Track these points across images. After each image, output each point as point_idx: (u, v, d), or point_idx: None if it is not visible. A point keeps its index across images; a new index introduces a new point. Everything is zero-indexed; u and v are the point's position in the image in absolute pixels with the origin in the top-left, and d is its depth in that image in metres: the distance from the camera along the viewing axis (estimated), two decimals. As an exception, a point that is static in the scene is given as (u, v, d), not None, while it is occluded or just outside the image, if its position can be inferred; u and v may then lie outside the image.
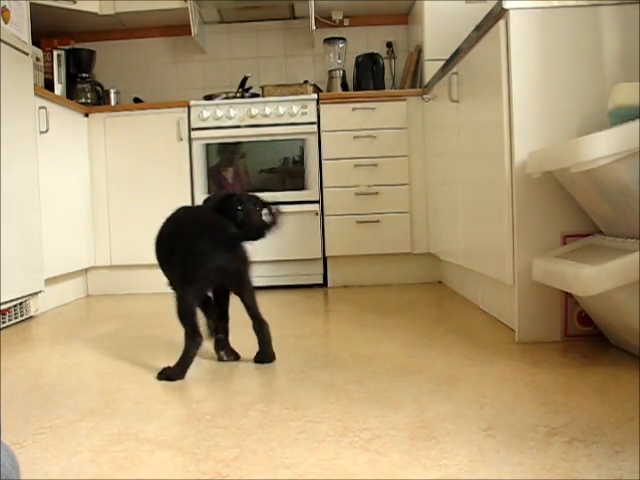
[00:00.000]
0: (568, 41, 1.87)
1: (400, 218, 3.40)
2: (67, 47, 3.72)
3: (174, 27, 3.99)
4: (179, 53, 4.13)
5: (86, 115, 3.45)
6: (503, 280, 2.04)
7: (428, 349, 1.90)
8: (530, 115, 1.88)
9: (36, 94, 2.84)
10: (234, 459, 1.12)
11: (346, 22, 4.02)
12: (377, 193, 3.39)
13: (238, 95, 3.63)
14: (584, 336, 1.90)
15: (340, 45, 3.88)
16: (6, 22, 2.60)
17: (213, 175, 3.43)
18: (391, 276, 3.46)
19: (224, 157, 3.46)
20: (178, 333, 1.67)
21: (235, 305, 1.82)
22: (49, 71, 3.48)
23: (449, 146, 2.80)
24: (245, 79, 3.66)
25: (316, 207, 3.40)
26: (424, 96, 3.25)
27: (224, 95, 3.62)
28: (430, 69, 3.33)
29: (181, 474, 1.07)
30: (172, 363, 1.69)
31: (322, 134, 3.40)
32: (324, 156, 3.40)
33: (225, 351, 1.87)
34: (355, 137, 3.38)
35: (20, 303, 2.67)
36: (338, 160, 3.40)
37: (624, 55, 1.85)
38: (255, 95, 3.68)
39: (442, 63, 2.79)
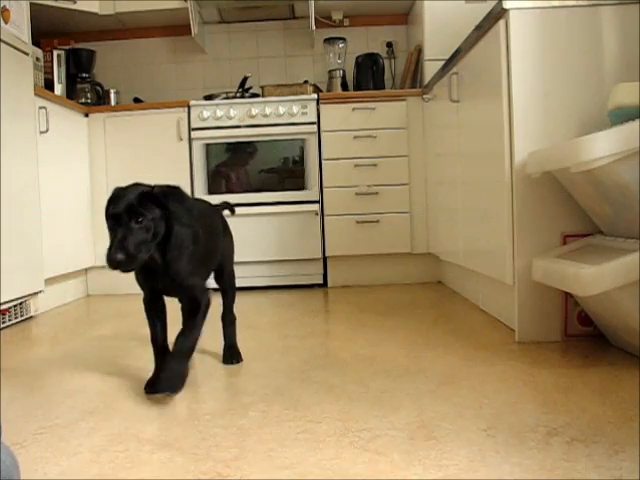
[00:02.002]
0: (568, 41, 1.87)
1: (400, 218, 3.40)
2: (67, 47, 3.73)
3: (174, 27, 3.99)
4: (179, 53, 4.13)
5: (86, 115, 3.45)
6: (503, 280, 2.04)
7: (428, 349, 1.90)
8: (530, 115, 1.88)
9: (36, 94, 2.84)
10: (234, 459, 1.12)
11: (346, 22, 4.02)
12: (377, 193, 3.39)
13: (238, 95, 3.63)
14: (584, 336, 1.90)
15: (340, 45, 3.89)
16: (6, 22, 2.60)
17: (214, 174, 3.43)
18: (391, 276, 3.46)
19: (224, 157, 3.46)
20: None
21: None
22: (49, 71, 3.48)
23: (449, 146, 2.80)
24: (245, 79, 3.66)
25: (316, 207, 3.40)
26: (424, 96, 3.25)
27: (224, 95, 3.62)
28: (430, 69, 3.33)
29: (181, 474, 1.07)
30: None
31: (322, 134, 3.40)
32: (324, 156, 3.40)
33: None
34: (355, 137, 3.38)
35: (20, 303, 2.67)
36: (338, 160, 3.39)
37: (624, 55, 1.85)
38: (255, 95, 3.68)
39: (442, 63, 2.79)
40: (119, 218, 1.34)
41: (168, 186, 1.43)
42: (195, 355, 1.93)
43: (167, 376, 1.46)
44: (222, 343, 1.87)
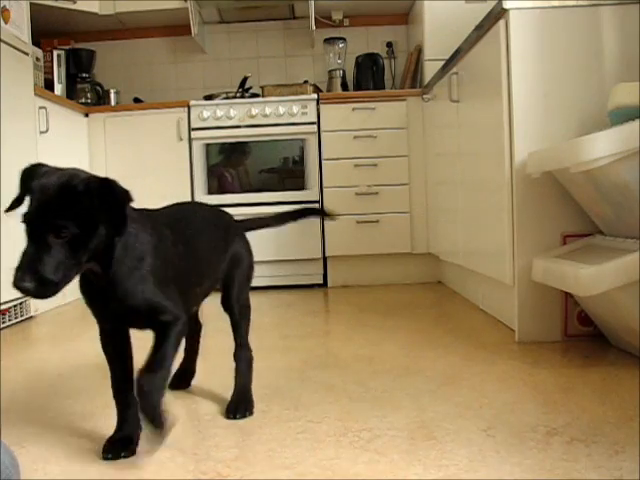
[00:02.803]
0: (568, 41, 1.87)
1: (400, 218, 3.39)
2: (67, 47, 3.73)
3: (174, 27, 3.99)
4: (179, 53, 4.13)
5: (86, 115, 3.45)
6: (503, 280, 2.04)
7: (428, 349, 1.90)
8: (530, 115, 1.87)
9: (36, 94, 2.84)
10: (234, 459, 1.12)
11: (346, 22, 4.02)
12: (377, 193, 3.39)
13: (238, 95, 3.63)
14: (584, 336, 1.90)
15: (340, 45, 3.88)
16: (6, 22, 2.60)
17: (214, 174, 3.43)
18: (391, 276, 3.46)
19: (224, 157, 3.47)
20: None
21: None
22: (49, 71, 3.48)
23: (449, 146, 2.80)
24: (245, 79, 3.66)
25: (316, 207, 3.40)
26: (424, 96, 3.25)
27: (224, 95, 3.62)
28: (430, 69, 3.32)
29: (181, 474, 1.07)
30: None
31: (322, 134, 3.39)
32: (324, 156, 3.40)
33: None
34: (355, 137, 3.38)
35: (20, 303, 2.67)
36: (338, 160, 3.39)
37: (624, 55, 1.85)
38: (255, 95, 3.68)
39: (442, 63, 2.78)
40: (33, 225, 1.00)
41: (101, 179, 1.03)
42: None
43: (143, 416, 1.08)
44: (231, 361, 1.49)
